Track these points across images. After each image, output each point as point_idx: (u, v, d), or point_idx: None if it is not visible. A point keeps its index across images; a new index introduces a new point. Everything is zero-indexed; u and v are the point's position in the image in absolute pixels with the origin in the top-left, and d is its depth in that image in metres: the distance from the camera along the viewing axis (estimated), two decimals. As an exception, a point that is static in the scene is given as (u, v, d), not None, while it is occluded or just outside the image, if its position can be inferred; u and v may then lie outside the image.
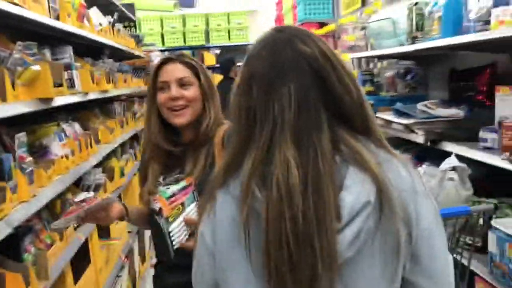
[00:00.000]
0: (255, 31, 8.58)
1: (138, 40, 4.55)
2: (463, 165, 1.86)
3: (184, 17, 8.21)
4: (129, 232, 3.28)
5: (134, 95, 4.43)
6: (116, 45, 3.36)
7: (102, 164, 2.83)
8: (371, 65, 4.39)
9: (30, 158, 1.72)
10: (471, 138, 2.21)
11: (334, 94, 0.88)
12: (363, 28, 3.86)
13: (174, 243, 1.37)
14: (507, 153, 1.82)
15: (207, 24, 8.29)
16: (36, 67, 1.75)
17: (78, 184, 2.48)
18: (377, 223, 0.82)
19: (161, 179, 1.60)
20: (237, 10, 8.32)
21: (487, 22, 1.92)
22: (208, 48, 8.24)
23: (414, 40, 2.71)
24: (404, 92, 3.53)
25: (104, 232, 2.73)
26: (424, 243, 0.87)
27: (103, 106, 3.34)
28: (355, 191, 0.82)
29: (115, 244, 2.79)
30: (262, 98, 0.88)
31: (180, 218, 1.38)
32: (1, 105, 1.52)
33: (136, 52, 4.38)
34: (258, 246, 0.84)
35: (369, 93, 3.74)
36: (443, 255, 0.91)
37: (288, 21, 6.76)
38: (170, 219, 1.37)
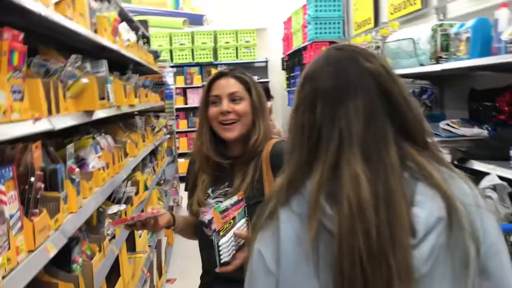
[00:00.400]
0: (262, 49, 8.69)
1: (156, 56, 4.62)
2: (504, 183, 1.90)
3: (193, 34, 8.30)
4: (149, 245, 3.28)
5: (150, 110, 4.48)
6: (141, 61, 3.41)
7: (128, 177, 2.84)
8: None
9: (78, 170, 1.74)
10: (495, 157, 2.25)
11: (398, 109, 0.90)
12: (378, 47, 3.93)
13: (221, 257, 1.37)
14: (543, 172, 1.86)
15: (215, 41, 8.39)
16: (85, 80, 1.78)
17: (109, 197, 2.49)
18: (447, 238, 0.83)
19: (210, 191, 1.62)
20: (245, 28, 8.41)
21: (520, 44, 1.98)
22: (216, 65, 8.30)
23: (438, 60, 2.77)
24: (420, 111, 3.59)
25: (130, 246, 2.73)
26: (493, 257, 0.88)
27: (126, 120, 3.37)
28: (427, 207, 0.83)
29: (140, 257, 2.79)
30: (328, 114, 0.89)
31: (231, 233, 1.38)
32: (56, 116, 1.55)
33: (154, 68, 4.44)
34: (327, 262, 0.83)
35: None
36: (509, 269, 0.91)
37: (298, 40, 6.85)
38: (221, 233, 1.38)
